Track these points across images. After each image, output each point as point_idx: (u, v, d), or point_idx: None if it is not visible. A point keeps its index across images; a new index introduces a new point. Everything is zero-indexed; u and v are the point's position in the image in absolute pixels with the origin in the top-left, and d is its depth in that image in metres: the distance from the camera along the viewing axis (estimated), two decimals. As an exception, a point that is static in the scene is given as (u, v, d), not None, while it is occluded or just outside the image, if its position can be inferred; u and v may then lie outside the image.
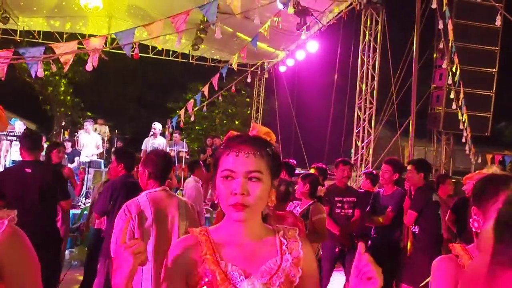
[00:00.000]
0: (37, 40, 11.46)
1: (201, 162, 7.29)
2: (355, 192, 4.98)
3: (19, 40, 11.52)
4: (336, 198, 4.73)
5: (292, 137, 12.08)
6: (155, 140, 9.33)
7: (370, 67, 9.33)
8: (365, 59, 9.37)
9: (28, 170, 3.71)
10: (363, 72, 9.37)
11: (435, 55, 10.22)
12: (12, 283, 1.15)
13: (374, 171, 6.05)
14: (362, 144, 9.33)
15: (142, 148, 9.30)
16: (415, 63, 7.04)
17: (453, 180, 5.77)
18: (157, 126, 9.43)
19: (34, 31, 11.85)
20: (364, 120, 9.36)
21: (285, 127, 11.66)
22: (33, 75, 5.52)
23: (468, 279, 0.73)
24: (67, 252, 6.30)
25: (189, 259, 1.20)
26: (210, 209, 7.88)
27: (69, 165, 8.37)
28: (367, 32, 9.30)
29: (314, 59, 10.77)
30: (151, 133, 9.38)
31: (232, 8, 6.05)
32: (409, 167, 4.29)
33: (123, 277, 1.14)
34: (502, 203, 0.73)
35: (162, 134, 10.00)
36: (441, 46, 8.03)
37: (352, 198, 4.76)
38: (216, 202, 1.26)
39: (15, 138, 8.45)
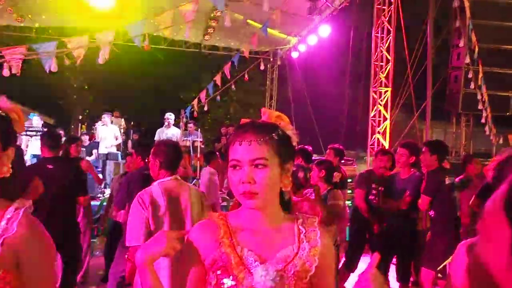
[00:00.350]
0: (52, 37, 11.55)
1: (217, 152, 7.31)
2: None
3: (35, 37, 11.63)
4: (372, 185, 4.71)
5: (307, 124, 11.99)
6: (169, 131, 9.38)
7: (384, 49, 9.16)
8: (379, 42, 9.20)
9: (50, 166, 3.85)
10: (378, 55, 9.21)
11: (452, 33, 9.97)
12: (29, 273, 1.18)
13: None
14: (378, 129, 9.21)
15: (155, 139, 9.36)
16: (429, 43, 6.88)
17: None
18: (170, 116, 9.47)
19: (49, 27, 11.96)
20: (380, 104, 9.23)
21: (300, 113, 11.56)
22: (47, 70, 5.59)
23: (483, 272, 0.65)
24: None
25: (207, 242, 1.22)
26: (227, 197, 7.91)
27: (87, 158, 8.51)
28: (380, 14, 9.11)
29: (327, 43, 10.62)
30: (165, 123, 9.43)
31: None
32: (423, 149, 4.23)
33: (147, 254, 1.23)
34: (508, 183, 0.65)
35: (176, 124, 10.05)
36: (457, 24, 7.80)
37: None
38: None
39: (34, 133, 8.62)
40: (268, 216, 1.23)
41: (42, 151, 3.99)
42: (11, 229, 1.14)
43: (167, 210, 2.69)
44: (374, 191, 4.70)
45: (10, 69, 5.59)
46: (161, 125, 9.59)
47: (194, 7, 5.89)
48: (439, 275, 4.13)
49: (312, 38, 10.14)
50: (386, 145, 9.08)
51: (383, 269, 4.57)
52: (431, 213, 4.18)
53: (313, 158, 5.50)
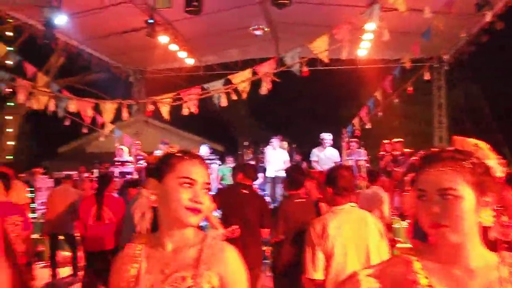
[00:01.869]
0: (216, 72, 12.75)
1: (379, 170, 6.92)
2: None
3: (202, 75, 13.02)
4: None
5: (487, 131, 10.57)
6: (326, 151, 9.20)
7: None
8: None
9: (245, 191, 4.22)
10: None
11: None
12: None
13: None
14: None
15: (311, 159, 9.30)
16: None
17: None
18: (326, 136, 9.29)
19: (214, 64, 13.28)
20: None
21: (476, 120, 10.29)
22: (218, 106, 6.12)
23: None
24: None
25: (399, 281, 1.14)
26: (398, 218, 7.40)
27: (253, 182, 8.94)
28: None
29: (503, 39, 9.30)
30: (327, 143, 9.27)
31: (397, 6, 5.65)
32: None
33: None
34: None
35: (337, 144, 9.83)
36: None
37: None
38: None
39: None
40: (466, 254, 1.11)
41: (239, 178, 4.35)
42: (213, 255, 1.33)
43: (343, 239, 2.58)
44: None
45: (188, 108, 6.32)
46: (319, 145, 9.47)
47: (348, 27, 5.78)
48: None
49: (484, 36, 9.00)
50: None
51: None
52: None
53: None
